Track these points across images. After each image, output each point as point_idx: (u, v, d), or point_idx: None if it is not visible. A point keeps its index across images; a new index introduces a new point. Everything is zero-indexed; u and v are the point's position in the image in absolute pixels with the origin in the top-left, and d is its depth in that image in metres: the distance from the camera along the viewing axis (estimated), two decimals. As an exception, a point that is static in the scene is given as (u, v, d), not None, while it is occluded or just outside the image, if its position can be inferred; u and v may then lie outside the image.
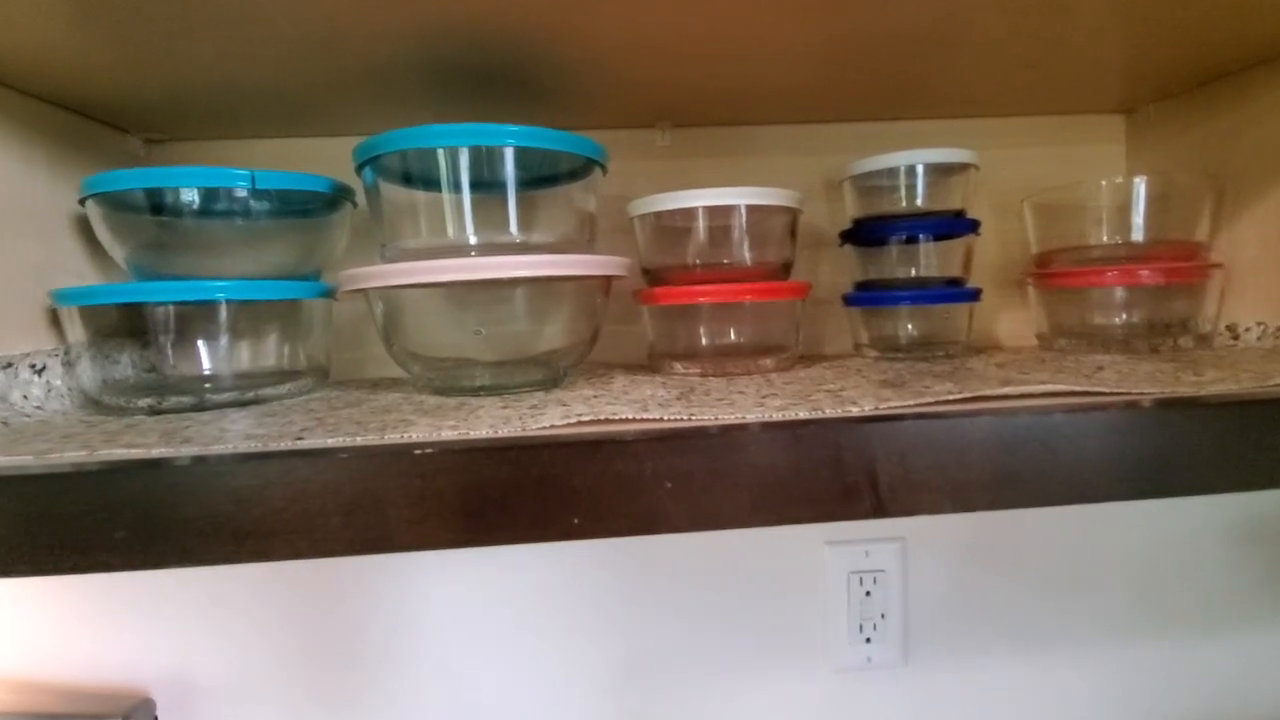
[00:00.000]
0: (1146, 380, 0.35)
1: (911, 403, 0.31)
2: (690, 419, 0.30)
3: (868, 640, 0.65)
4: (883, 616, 0.65)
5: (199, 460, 0.27)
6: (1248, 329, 0.52)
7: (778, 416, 0.30)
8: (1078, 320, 0.55)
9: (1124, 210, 0.52)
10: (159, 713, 0.58)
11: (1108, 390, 0.32)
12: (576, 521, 0.27)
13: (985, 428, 0.28)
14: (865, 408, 0.30)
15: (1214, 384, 0.33)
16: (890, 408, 0.30)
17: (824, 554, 0.64)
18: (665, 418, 0.31)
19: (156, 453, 0.29)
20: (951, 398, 0.31)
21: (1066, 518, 0.66)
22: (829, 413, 0.30)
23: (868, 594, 0.64)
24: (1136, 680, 0.68)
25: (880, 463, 0.28)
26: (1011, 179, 0.61)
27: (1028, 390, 0.32)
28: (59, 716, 0.57)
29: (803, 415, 0.30)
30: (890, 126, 0.61)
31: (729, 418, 0.30)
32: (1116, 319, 0.54)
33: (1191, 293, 0.52)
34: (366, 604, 0.61)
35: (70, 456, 0.29)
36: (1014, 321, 0.63)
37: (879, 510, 0.28)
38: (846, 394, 0.35)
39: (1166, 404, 0.29)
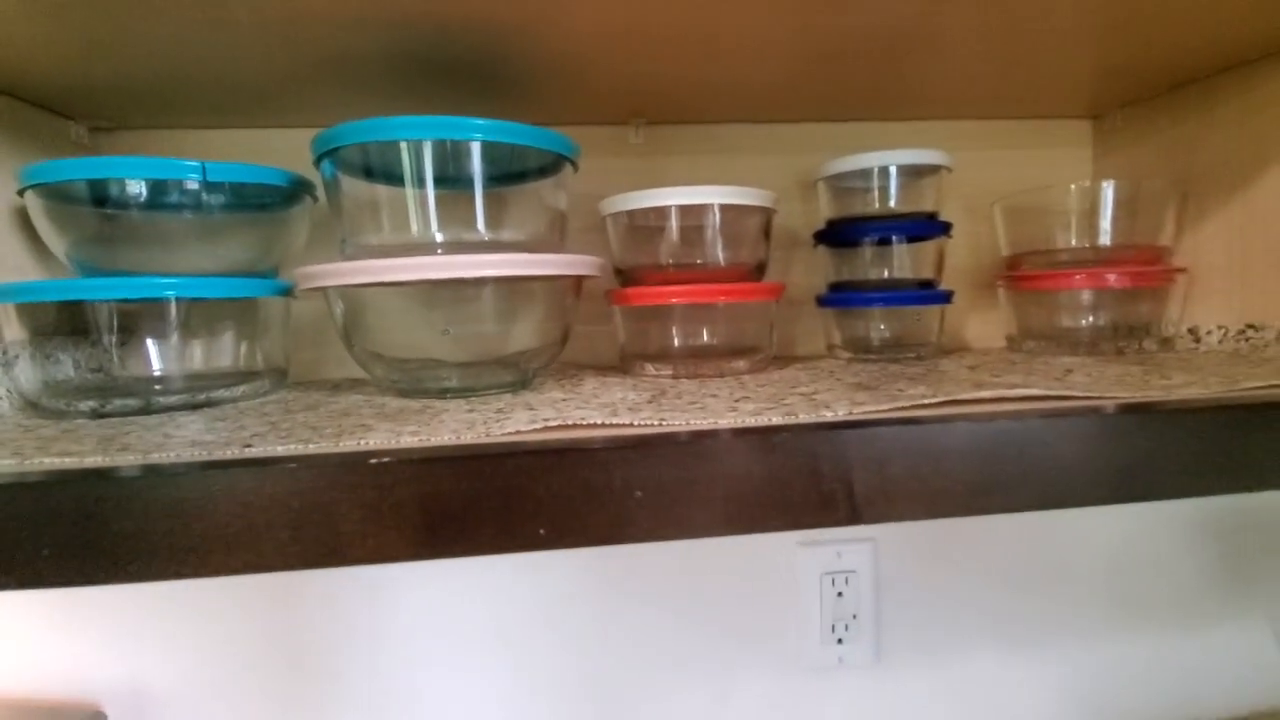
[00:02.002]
0: (1116, 384, 0.36)
1: (887, 407, 0.30)
2: (661, 424, 0.29)
3: (839, 640, 0.65)
4: (854, 617, 0.65)
5: (135, 470, 0.26)
6: (1209, 332, 0.53)
7: (751, 422, 0.29)
8: (1046, 322, 0.56)
9: (1092, 214, 0.53)
10: (107, 729, 0.56)
11: (1081, 394, 0.32)
12: (542, 532, 0.26)
13: (962, 434, 0.28)
14: (840, 413, 0.30)
15: (1184, 388, 0.33)
16: (866, 413, 0.30)
17: (797, 555, 0.64)
18: (635, 423, 0.30)
19: (88, 462, 0.27)
20: (927, 402, 0.31)
21: (1035, 518, 0.67)
22: (804, 418, 0.29)
23: (840, 595, 0.64)
24: (1104, 676, 0.70)
25: (857, 470, 0.27)
26: (981, 181, 0.62)
27: (1002, 394, 0.32)
28: (-3, 735, 0.54)
29: (777, 421, 0.29)
30: (863, 127, 0.61)
31: (701, 423, 0.29)
32: (1083, 321, 0.54)
33: (1156, 296, 0.53)
34: (327, 611, 0.59)
35: (-4, 466, 0.27)
36: (983, 324, 0.64)
37: (854, 518, 0.27)
38: (820, 397, 0.34)
39: (1139, 408, 0.29)
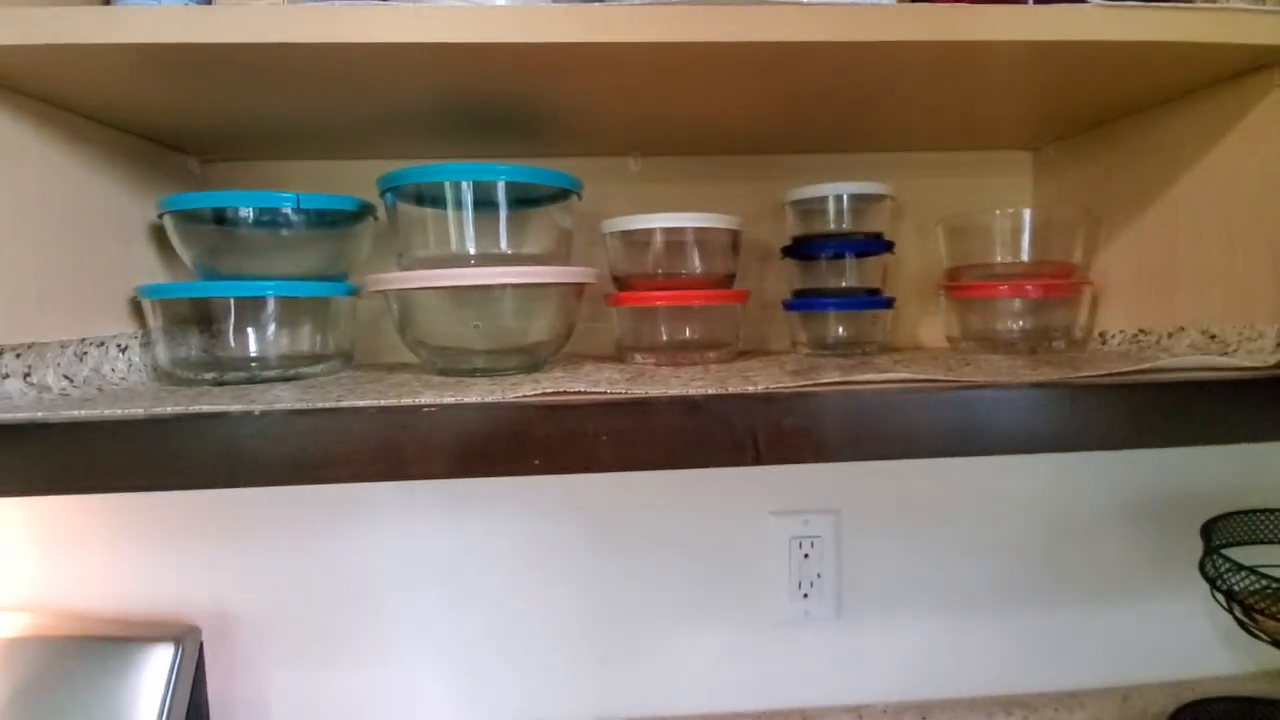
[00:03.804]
0: (995, 373, 0.46)
1: (789, 385, 0.41)
2: (626, 393, 0.41)
3: (805, 596, 0.75)
4: (819, 576, 0.75)
5: (268, 413, 0.38)
6: (1114, 335, 0.62)
7: (691, 393, 0.40)
8: (980, 326, 0.66)
9: (1015, 235, 0.62)
10: (204, 639, 0.69)
11: (926, 377, 0.42)
12: (537, 462, 0.38)
13: (837, 401, 0.39)
14: (759, 387, 0.41)
15: (1034, 374, 0.44)
16: (770, 388, 0.41)
17: (768, 522, 0.75)
18: (608, 391, 0.41)
19: (236, 408, 0.39)
20: (821, 381, 0.42)
21: (981, 495, 0.77)
22: (730, 390, 0.41)
23: (806, 557, 0.75)
24: (1044, 640, 0.79)
25: (760, 426, 0.39)
26: (935, 204, 0.71)
27: (880, 377, 0.43)
28: (118, 639, 0.68)
29: (710, 391, 0.40)
30: (830, 159, 0.72)
31: (656, 393, 0.41)
32: (1008, 325, 0.64)
33: (1068, 305, 0.63)
34: (375, 553, 0.72)
35: (171, 409, 0.40)
36: (932, 326, 0.74)
37: (758, 460, 0.39)
38: (756, 379, 0.45)
39: (968, 387, 0.40)
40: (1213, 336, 0.52)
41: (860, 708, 0.76)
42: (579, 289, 0.57)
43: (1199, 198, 0.54)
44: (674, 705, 0.76)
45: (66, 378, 0.49)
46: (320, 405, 0.39)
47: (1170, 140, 0.57)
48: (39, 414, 0.39)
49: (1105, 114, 0.62)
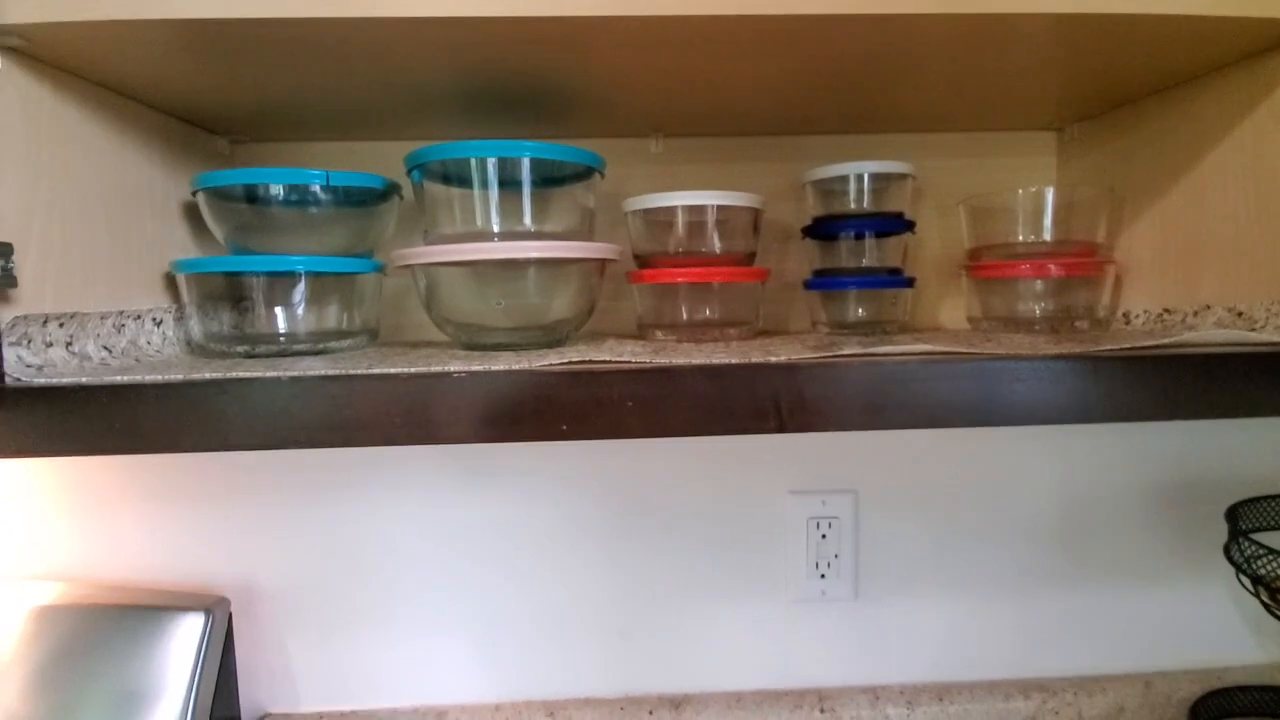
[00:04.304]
0: (1007, 347, 0.46)
1: (811, 356, 0.42)
2: (650, 362, 0.42)
3: (822, 576, 0.76)
4: (836, 556, 0.76)
5: (301, 379, 0.39)
6: (1138, 315, 0.62)
7: (713, 361, 0.41)
8: (1002, 306, 0.66)
9: (1037, 215, 0.62)
10: (232, 610, 0.71)
11: (943, 350, 0.42)
12: (564, 428, 0.39)
13: (859, 371, 0.39)
14: (780, 357, 0.42)
15: (1050, 349, 0.44)
16: (791, 358, 0.41)
17: (787, 502, 0.75)
18: (633, 361, 0.42)
19: (271, 374, 0.41)
20: (842, 353, 0.42)
21: (1001, 477, 0.77)
22: (753, 360, 0.41)
23: (823, 537, 0.75)
24: (1062, 624, 0.79)
25: (782, 394, 0.39)
26: (959, 185, 0.71)
27: (900, 349, 0.43)
28: (150, 608, 0.70)
29: (733, 361, 0.41)
30: (852, 139, 0.72)
31: (678, 361, 0.41)
32: (1031, 305, 0.64)
33: (1090, 285, 0.62)
34: (399, 526, 0.73)
35: (211, 374, 0.41)
36: (954, 307, 0.73)
37: (781, 428, 0.39)
38: (776, 353, 0.46)
39: (989, 358, 0.40)
40: (1239, 314, 0.52)
41: (877, 688, 0.77)
42: (601, 266, 0.58)
43: (1224, 176, 0.54)
44: (691, 682, 0.77)
45: (105, 348, 0.50)
46: (353, 371, 0.40)
47: (1195, 118, 0.56)
48: (84, 379, 0.40)
49: (1130, 92, 0.61)
